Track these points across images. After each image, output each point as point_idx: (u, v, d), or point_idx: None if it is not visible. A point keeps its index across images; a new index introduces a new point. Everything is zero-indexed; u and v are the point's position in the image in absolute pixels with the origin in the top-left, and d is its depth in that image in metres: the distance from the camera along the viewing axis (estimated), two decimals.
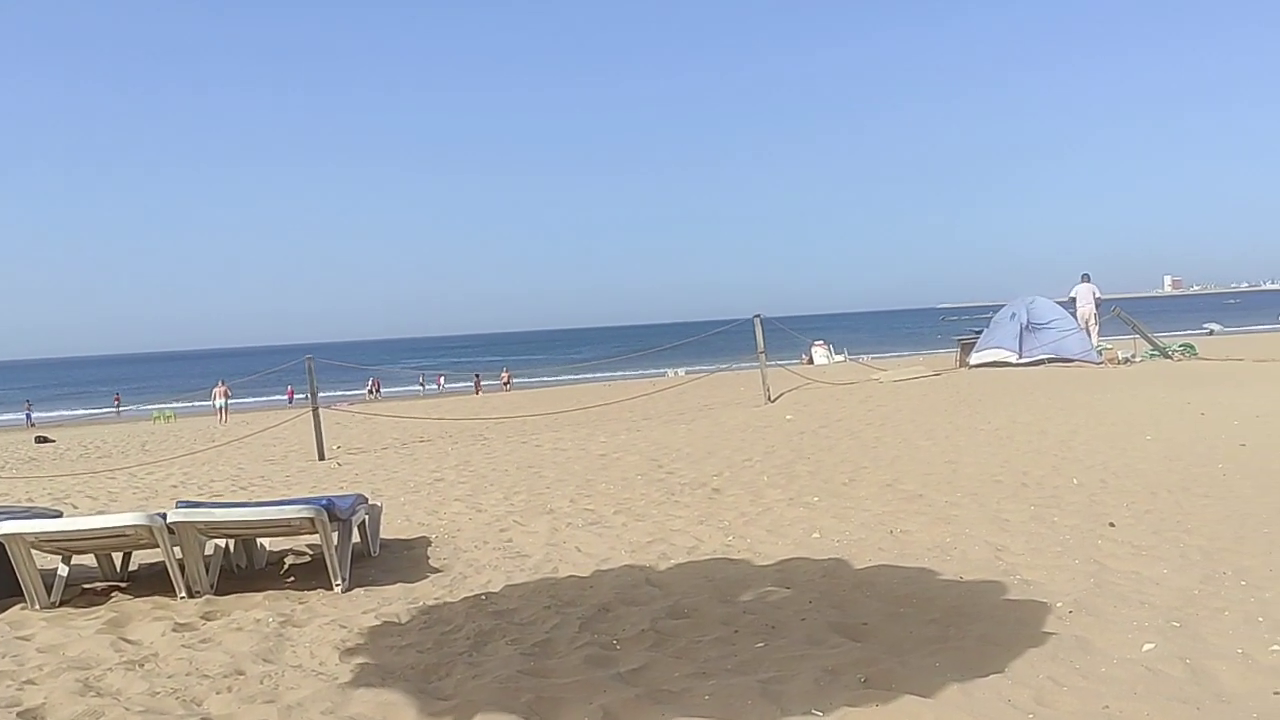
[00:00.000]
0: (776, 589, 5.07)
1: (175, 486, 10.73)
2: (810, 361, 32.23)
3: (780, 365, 19.81)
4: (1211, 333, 44.56)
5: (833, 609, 4.63)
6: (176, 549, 5.55)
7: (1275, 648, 3.74)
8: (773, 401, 15.08)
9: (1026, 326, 18.96)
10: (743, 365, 23.93)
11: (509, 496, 8.42)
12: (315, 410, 13.64)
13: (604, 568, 5.81)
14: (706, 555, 5.95)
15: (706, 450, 10.43)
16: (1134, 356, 19.15)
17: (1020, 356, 18.61)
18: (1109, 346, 19.91)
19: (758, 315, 16.34)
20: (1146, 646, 3.84)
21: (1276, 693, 3.33)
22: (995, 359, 18.96)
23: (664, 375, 34.16)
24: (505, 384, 44.31)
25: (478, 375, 46.30)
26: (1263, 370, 15.48)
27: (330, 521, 5.63)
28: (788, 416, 13.09)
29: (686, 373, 32.13)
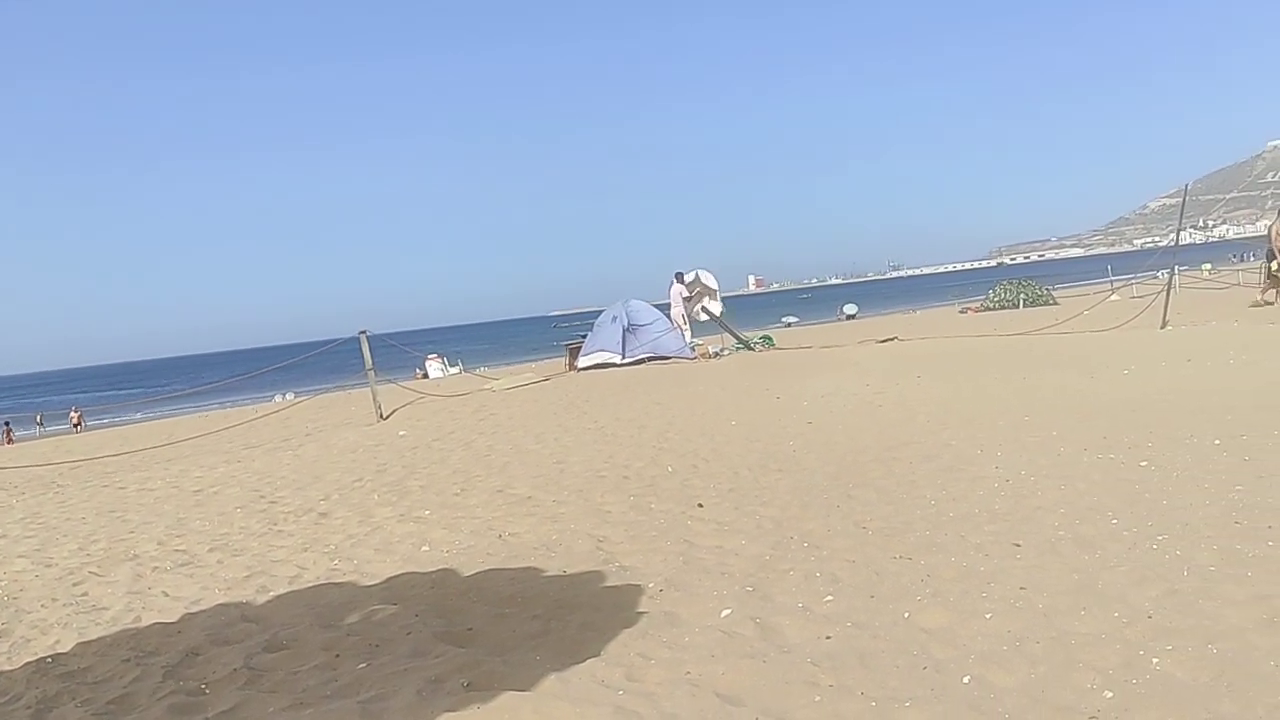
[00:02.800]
0: (383, 607, 4.95)
1: None
2: (425, 376, 32.02)
3: (392, 382, 19.43)
4: (789, 325, 49.35)
5: (439, 619, 4.60)
6: None
7: (829, 598, 4.20)
8: (385, 419, 14.75)
9: (628, 328, 19.96)
10: (355, 385, 23.22)
11: (85, 546, 7.55)
12: None
13: (194, 610, 5.37)
14: (310, 582, 5.69)
15: (314, 475, 9.98)
16: (723, 350, 20.82)
17: (624, 357, 19.56)
18: (700, 342, 21.48)
19: (363, 331, 15.91)
20: (725, 612, 4.17)
21: (828, 638, 3.74)
22: (601, 361, 19.78)
23: (271, 400, 32.36)
24: (76, 425, 38.77)
25: (6, 423, 37.79)
26: (827, 356, 17.43)
27: None
28: (400, 433, 12.87)
29: (295, 396, 30.68)
